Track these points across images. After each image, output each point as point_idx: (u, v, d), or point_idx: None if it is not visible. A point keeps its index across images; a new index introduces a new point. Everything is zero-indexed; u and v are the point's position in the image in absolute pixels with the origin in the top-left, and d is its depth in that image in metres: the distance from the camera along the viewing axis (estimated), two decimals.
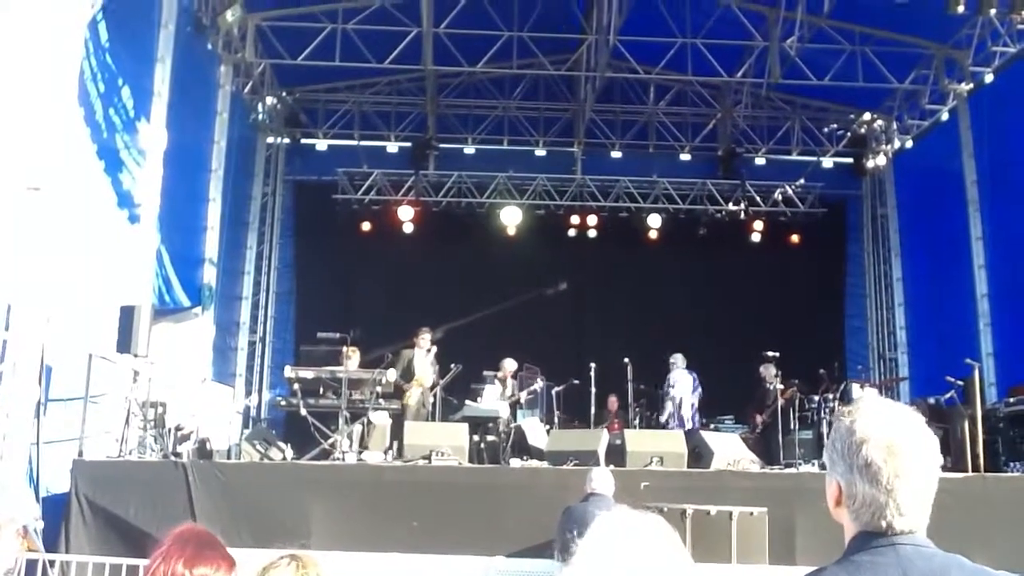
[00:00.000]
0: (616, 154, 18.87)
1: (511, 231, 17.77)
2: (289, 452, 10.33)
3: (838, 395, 12.45)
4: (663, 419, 13.31)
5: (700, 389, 13.45)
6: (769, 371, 13.14)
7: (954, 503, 8.37)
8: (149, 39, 11.98)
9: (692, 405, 13.27)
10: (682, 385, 13.17)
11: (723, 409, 14.74)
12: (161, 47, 12.07)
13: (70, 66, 9.40)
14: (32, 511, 6.40)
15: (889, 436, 1.90)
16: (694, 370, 13.54)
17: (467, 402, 12.48)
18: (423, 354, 12.29)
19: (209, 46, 14.25)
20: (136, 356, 9.79)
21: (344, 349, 10.80)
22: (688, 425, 12.96)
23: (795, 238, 18.37)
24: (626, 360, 12.90)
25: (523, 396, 13.02)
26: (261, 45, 15.28)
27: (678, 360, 13.52)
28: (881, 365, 18.47)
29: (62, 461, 8.92)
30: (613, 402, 14.10)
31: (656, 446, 10.20)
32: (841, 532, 2.01)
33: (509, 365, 13.02)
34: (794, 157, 18.84)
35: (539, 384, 13.11)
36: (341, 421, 10.11)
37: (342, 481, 9.21)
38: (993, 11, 12.61)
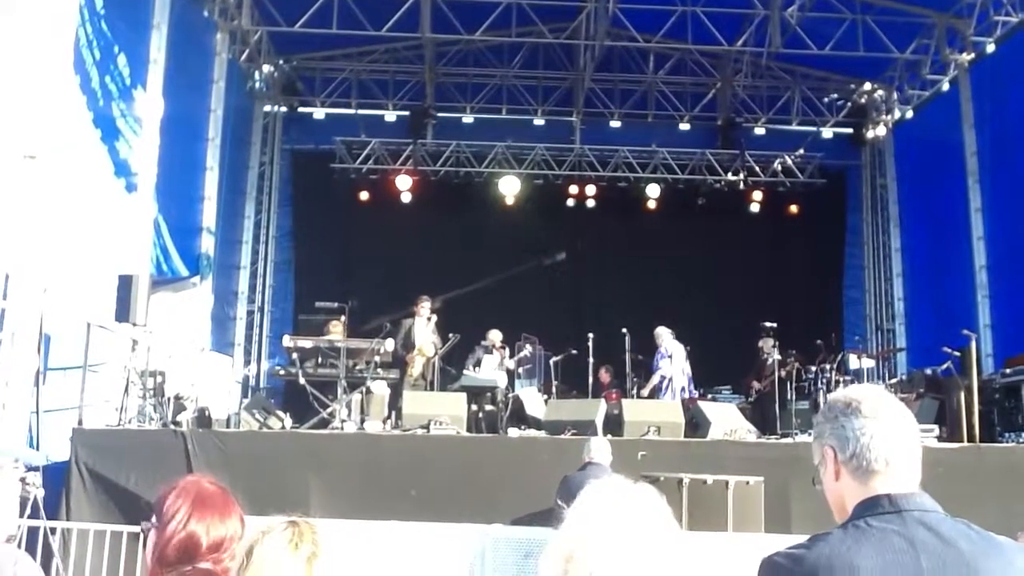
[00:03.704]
0: (615, 123, 18.81)
1: (509, 201, 17.71)
2: (288, 421, 10.36)
3: (835, 366, 12.48)
4: (646, 392, 13.01)
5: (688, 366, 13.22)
6: (767, 342, 13.15)
7: (949, 473, 8.42)
8: (145, 6, 11.88)
9: (682, 383, 13.00)
10: (678, 357, 13.02)
11: (720, 379, 14.78)
12: (157, 14, 11.97)
13: (66, 33, 9.33)
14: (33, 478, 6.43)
15: (862, 388, 2.09)
16: (693, 343, 13.40)
17: (465, 372, 12.51)
18: (423, 323, 12.28)
19: (205, 13, 14.14)
20: (135, 325, 9.80)
21: (327, 322, 10.78)
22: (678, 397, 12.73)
23: (794, 208, 18.33)
24: (624, 330, 12.94)
25: (512, 364, 13.04)
26: (257, 12, 15.16)
27: (666, 333, 13.15)
28: (878, 336, 18.51)
29: (62, 430, 8.96)
30: (604, 375, 14.08)
31: (653, 416, 10.24)
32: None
33: (494, 335, 12.97)
34: (794, 127, 18.78)
35: (528, 350, 13.12)
36: (340, 390, 10.14)
37: (341, 450, 9.25)
38: None
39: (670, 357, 13.00)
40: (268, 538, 2.13)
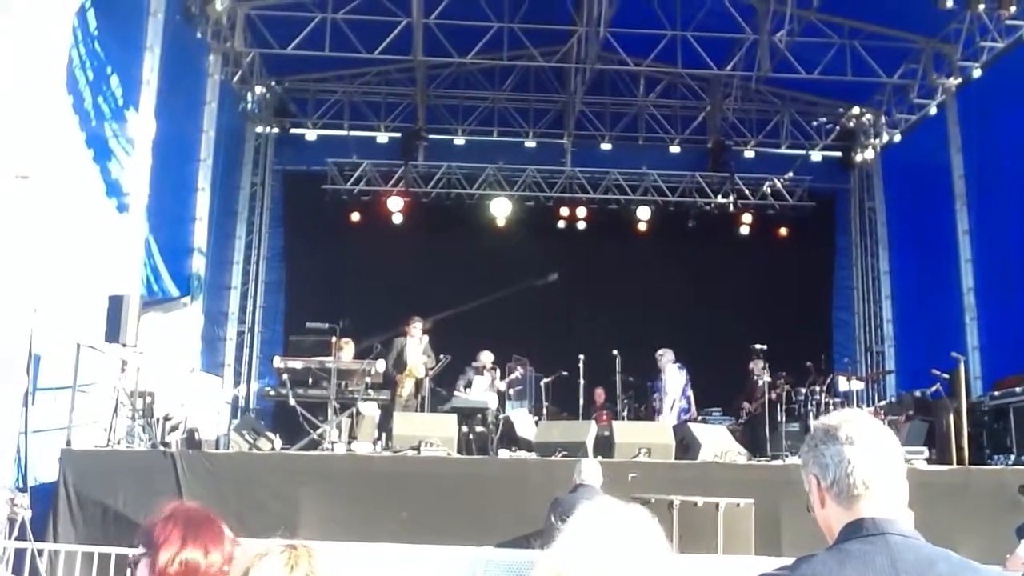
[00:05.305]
0: (606, 146, 18.88)
1: (500, 222, 17.74)
2: (278, 442, 10.32)
3: (825, 388, 12.51)
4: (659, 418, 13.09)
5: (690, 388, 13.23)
6: (757, 364, 13.17)
7: (939, 495, 8.45)
8: (138, 27, 11.92)
9: (682, 406, 12.98)
10: (673, 384, 13.02)
11: (711, 401, 14.78)
12: (150, 36, 12.01)
13: (58, 54, 9.36)
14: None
15: (841, 414, 2.14)
16: (684, 365, 13.37)
17: (456, 393, 12.50)
18: (415, 343, 12.28)
19: (198, 35, 14.18)
20: (125, 346, 9.77)
21: (336, 340, 10.77)
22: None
23: (783, 231, 18.40)
24: (615, 352, 12.96)
25: (503, 386, 13.03)
26: (250, 34, 15.21)
27: (667, 355, 13.20)
28: (868, 358, 18.57)
29: (50, 450, 8.92)
30: (600, 394, 14.15)
31: (644, 438, 10.26)
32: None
33: (486, 357, 12.97)
34: (783, 150, 18.90)
35: (518, 372, 13.12)
36: (330, 411, 10.11)
37: (331, 471, 9.22)
38: (981, 6, 12.70)
39: (664, 379, 13.02)
40: (264, 561, 2.14)
